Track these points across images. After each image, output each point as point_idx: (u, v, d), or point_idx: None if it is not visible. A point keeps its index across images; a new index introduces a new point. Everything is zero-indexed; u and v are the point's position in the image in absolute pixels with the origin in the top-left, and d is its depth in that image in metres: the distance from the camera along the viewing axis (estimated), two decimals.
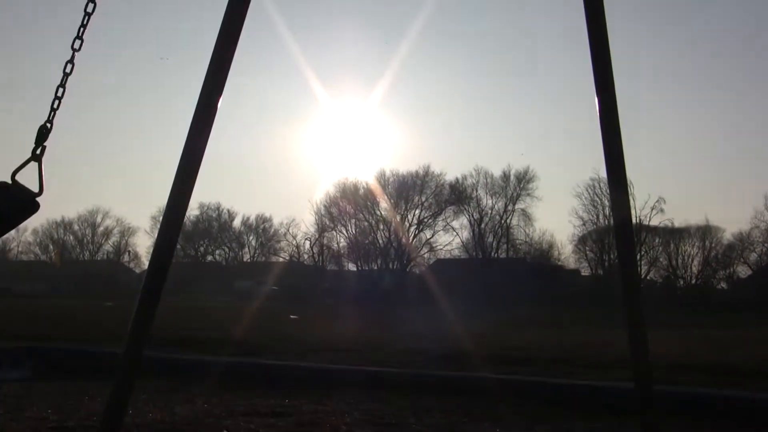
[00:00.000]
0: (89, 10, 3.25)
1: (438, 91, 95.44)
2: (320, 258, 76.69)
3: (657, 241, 69.17)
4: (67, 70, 3.26)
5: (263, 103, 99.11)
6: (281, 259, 77.76)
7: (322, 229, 75.17)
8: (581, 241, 71.51)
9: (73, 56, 3.26)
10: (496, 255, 73.33)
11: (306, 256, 77.21)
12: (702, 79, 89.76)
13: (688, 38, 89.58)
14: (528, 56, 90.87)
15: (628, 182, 3.74)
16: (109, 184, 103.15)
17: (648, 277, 67.96)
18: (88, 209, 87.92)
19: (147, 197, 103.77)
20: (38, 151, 3.19)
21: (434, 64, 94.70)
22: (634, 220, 51.18)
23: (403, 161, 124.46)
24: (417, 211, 73.12)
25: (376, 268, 74.31)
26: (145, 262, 57.77)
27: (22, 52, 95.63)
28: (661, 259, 69.48)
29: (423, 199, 73.16)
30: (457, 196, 73.14)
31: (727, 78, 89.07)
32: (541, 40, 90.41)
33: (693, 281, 68.80)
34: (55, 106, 3.24)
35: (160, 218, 3.47)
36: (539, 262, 70.81)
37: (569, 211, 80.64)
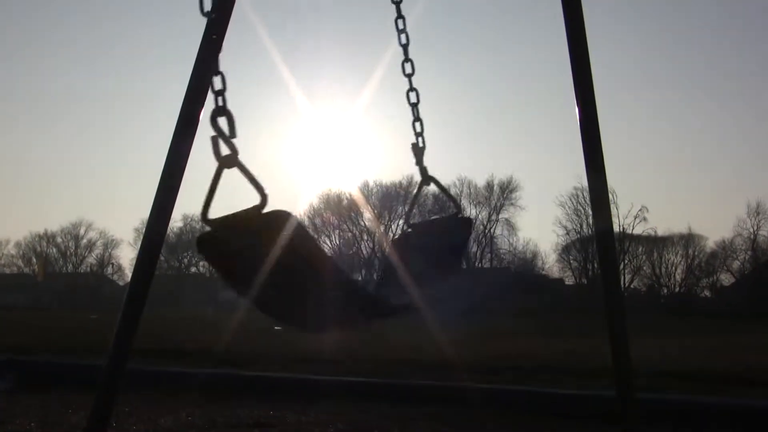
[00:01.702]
0: None
1: (422, 100, 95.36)
2: None
3: (640, 249, 69.52)
4: None
5: (245, 113, 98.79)
6: None
7: None
8: (565, 251, 71.85)
9: None
10: (480, 265, 73.47)
11: None
12: (684, 87, 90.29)
13: (671, 46, 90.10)
14: (510, 66, 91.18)
15: (611, 191, 3.76)
16: (91, 197, 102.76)
17: (632, 286, 68.27)
18: (71, 221, 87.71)
19: (130, 209, 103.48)
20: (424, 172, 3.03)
21: (418, 74, 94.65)
22: (617, 229, 51.34)
23: (387, 172, 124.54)
24: (401, 222, 73.23)
25: (360, 278, 74.35)
26: (129, 274, 57.52)
27: None
28: (644, 268, 69.87)
29: (407, 209, 73.24)
30: (440, 206, 73.24)
31: (709, 86, 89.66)
32: (524, 49, 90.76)
33: (676, 289, 69.17)
34: None
35: (143, 230, 3.46)
36: (523, 271, 71.00)
37: (553, 221, 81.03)
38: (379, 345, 13.61)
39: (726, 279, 69.20)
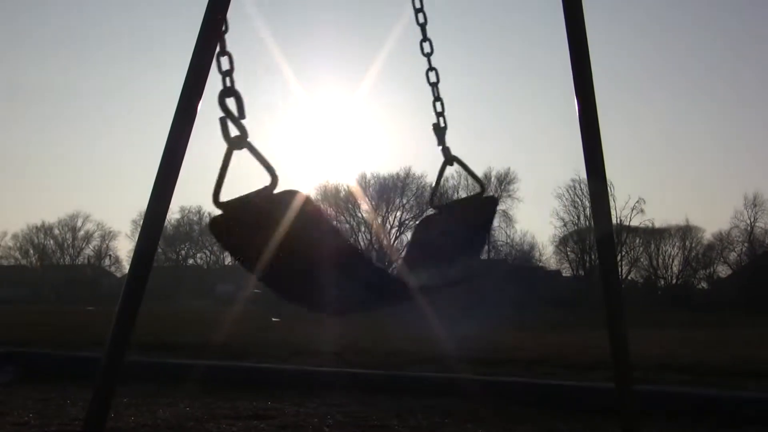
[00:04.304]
0: None
1: (419, 92, 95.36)
2: None
3: (637, 241, 69.57)
4: None
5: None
6: None
7: None
8: (562, 242, 71.86)
9: None
10: None
11: None
12: (681, 78, 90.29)
13: (667, 38, 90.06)
14: (509, 57, 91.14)
15: (609, 183, 3.77)
16: (89, 188, 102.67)
17: (629, 278, 68.30)
18: (69, 213, 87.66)
19: (127, 201, 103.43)
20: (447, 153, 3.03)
21: (416, 66, 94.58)
22: (614, 221, 51.40)
23: (384, 163, 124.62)
24: (398, 213, 73.29)
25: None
26: (126, 266, 57.55)
27: None
28: (641, 260, 69.93)
29: (404, 201, 73.16)
30: (438, 198, 73.19)
31: (706, 77, 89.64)
32: (522, 41, 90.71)
33: (673, 281, 69.22)
34: None
35: (141, 222, 3.46)
36: (520, 263, 70.99)
37: (550, 212, 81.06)
38: (378, 337, 13.62)
39: (723, 271, 69.34)
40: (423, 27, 3.83)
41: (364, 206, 73.35)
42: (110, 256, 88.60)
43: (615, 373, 3.78)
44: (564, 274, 72.36)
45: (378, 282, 2.78)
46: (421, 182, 73.27)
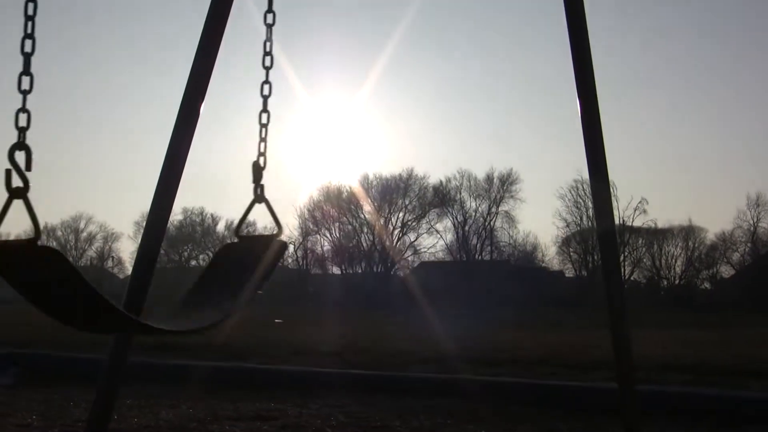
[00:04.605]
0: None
1: (421, 93, 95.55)
2: (304, 262, 76.61)
3: (640, 242, 69.39)
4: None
5: (245, 107, 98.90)
6: None
7: (305, 233, 75.06)
8: (565, 243, 71.66)
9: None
10: (480, 257, 73.31)
11: (290, 260, 77.04)
12: (684, 78, 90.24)
13: (668, 39, 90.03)
14: (510, 58, 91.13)
15: (611, 184, 3.78)
16: (91, 190, 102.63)
17: (632, 278, 68.19)
18: (71, 215, 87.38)
19: (130, 203, 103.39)
20: (259, 191, 3.16)
21: (418, 67, 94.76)
22: (617, 221, 51.37)
23: (387, 164, 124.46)
24: (401, 214, 73.10)
25: (360, 271, 74.25)
26: (129, 268, 57.61)
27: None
28: (644, 260, 69.73)
29: (406, 202, 73.11)
30: (440, 198, 73.12)
31: (708, 78, 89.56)
32: (524, 42, 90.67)
33: (676, 282, 69.07)
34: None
35: (144, 223, 3.48)
36: (523, 264, 70.92)
37: (553, 213, 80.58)
38: (379, 337, 13.63)
39: (726, 271, 69.12)
40: (267, 71, 3.55)
41: (367, 207, 73.29)
42: (113, 257, 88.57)
43: (617, 373, 3.79)
44: (567, 275, 72.26)
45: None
46: (424, 183, 73.29)
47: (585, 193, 66.45)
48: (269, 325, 20.73)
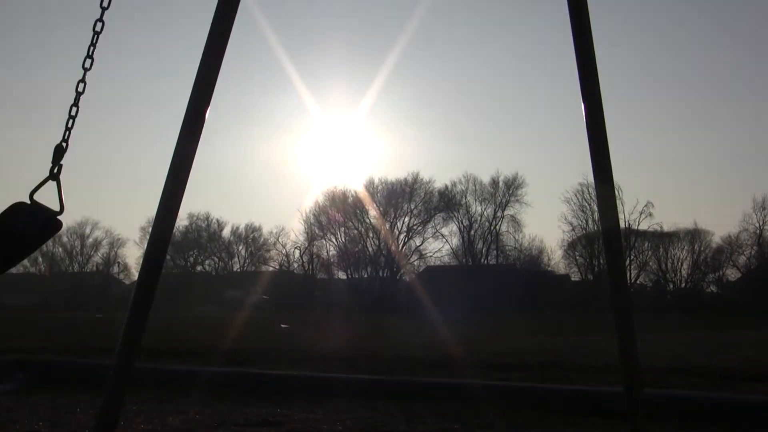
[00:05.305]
0: (98, 29, 3.32)
1: (427, 98, 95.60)
2: (310, 267, 76.66)
3: (646, 245, 69.40)
4: (80, 89, 3.33)
5: (252, 112, 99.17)
6: (271, 269, 77.57)
7: (311, 237, 75.20)
8: (571, 247, 71.69)
9: (84, 76, 3.31)
10: (485, 261, 73.39)
11: (296, 265, 77.12)
12: (690, 82, 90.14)
13: (676, 41, 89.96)
14: (516, 62, 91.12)
15: (617, 187, 3.78)
16: (97, 195, 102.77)
17: (638, 282, 68.16)
18: (77, 221, 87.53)
19: (136, 208, 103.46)
20: (55, 170, 3.22)
21: (423, 71, 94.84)
22: (623, 225, 51.34)
23: (392, 169, 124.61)
24: (406, 219, 73.23)
25: (366, 276, 74.32)
26: (135, 273, 57.65)
27: (37, 70, 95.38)
28: (650, 264, 69.73)
29: (412, 206, 73.26)
30: (446, 203, 73.19)
31: (714, 81, 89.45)
32: (529, 46, 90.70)
33: (682, 285, 69.02)
34: (69, 125, 3.30)
35: (150, 229, 3.47)
36: (529, 268, 70.89)
37: (558, 217, 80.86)
38: (386, 342, 13.63)
39: (732, 274, 69.09)
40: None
41: (372, 212, 73.35)
42: (119, 263, 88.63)
43: (623, 377, 3.78)
44: (573, 279, 72.22)
45: None
46: (429, 187, 73.41)
47: (590, 197, 66.53)
48: (275, 330, 20.76)
